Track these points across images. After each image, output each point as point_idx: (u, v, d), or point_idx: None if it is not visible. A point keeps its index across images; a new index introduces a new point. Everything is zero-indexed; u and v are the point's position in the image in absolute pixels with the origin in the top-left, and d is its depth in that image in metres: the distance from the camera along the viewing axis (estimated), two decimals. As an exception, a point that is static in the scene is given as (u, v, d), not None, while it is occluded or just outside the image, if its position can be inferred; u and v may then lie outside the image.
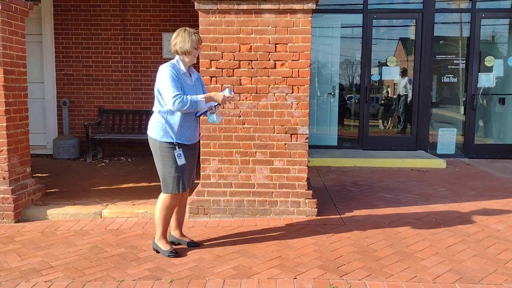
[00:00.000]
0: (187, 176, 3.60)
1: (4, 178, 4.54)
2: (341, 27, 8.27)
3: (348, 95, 8.71)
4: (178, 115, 3.44)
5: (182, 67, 3.50)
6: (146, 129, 3.58)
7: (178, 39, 3.46)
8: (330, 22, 8.17)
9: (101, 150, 7.75)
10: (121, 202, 4.94)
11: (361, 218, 4.53)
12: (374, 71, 8.16)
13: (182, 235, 3.84)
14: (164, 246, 3.59)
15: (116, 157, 7.74)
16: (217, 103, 3.53)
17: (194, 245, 3.77)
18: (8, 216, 4.48)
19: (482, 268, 3.36)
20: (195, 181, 3.93)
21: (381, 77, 8.25)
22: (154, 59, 7.63)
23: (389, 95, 8.61)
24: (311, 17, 4.35)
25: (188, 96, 3.36)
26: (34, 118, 7.03)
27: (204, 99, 3.43)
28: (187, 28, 3.51)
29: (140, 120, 7.67)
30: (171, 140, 3.45)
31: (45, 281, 3.16)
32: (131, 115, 7.74)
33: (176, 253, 3.57)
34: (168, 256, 3.54)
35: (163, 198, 3.57)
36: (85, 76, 7.74)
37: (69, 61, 7.71)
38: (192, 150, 3.62)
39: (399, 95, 8.51)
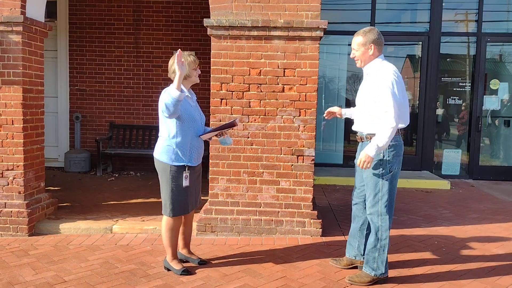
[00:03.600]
0: (193, 198, 3.74)
1: (19, 193, 4.70)
2: (348, 44, 8.42)
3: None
4: (186, 138, 3.56)
5: (184, 90, 3.58)
6: (155, 144, 3.70)
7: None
8: (337, 41, 8.35)
9: (111, 164, 7.91)
10: (130, 217, 5.07)
11: (365, 239, 4.62)
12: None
13: (190, 253, 3.96)
14: (176, 266, 3.71)
15: (126, 171, 7.91)
16: (218, 130, 3.68)
17: (202, 263, 3.89)
18: (22, 229, 4.63)
19: (481, 293, 3.45)
20: (202, 198, 4.06)
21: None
22: (165, 76, 7.81)
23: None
24: (319, 43, 4.51)
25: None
26: (47, 131, 7.11)
27: (174, 87, 3.35)
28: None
29: (150, 135, 7.84)
30: (182, 163, 3.58)
31: (59, 296, 3.30)
32: (141, 130, 7.92)
33: (189, 272, 3.69)
34: (181, 274, 3.65)
35: (166, 220, 3.68)
36: (97, 91, 7.95)
37: (82, 77, 7.94)
38: (197, 172, 3.76)
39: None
